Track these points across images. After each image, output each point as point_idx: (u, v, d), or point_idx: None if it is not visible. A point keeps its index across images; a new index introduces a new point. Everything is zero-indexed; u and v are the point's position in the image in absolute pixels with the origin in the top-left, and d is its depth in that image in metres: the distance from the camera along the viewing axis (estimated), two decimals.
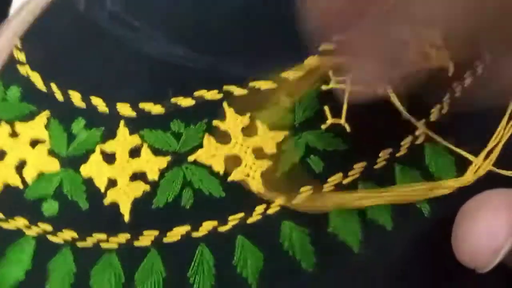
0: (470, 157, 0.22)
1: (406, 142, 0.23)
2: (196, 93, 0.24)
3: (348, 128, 0.23)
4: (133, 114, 0.23)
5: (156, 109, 0.24)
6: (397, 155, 0.23)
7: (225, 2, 0.27)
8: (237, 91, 0.24)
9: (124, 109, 0.24)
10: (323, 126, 0.23)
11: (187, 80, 0.24)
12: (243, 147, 0.22)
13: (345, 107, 0.23)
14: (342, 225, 0.21)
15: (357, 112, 0.23)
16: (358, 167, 0.22)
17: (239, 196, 0.21)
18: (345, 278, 0.21)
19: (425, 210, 0.22)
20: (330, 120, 0.23)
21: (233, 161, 0.22)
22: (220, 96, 0.24)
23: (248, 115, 0.23)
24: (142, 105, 0.24)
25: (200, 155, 0.22)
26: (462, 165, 0.23)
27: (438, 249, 0.21)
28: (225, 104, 0.23)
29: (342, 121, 0.23)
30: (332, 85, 0.24)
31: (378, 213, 0.21)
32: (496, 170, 0.22)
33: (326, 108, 0.23)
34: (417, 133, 0.23)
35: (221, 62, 0.25)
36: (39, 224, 0.22)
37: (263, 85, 0.24)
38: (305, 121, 0.23)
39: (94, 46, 0.26)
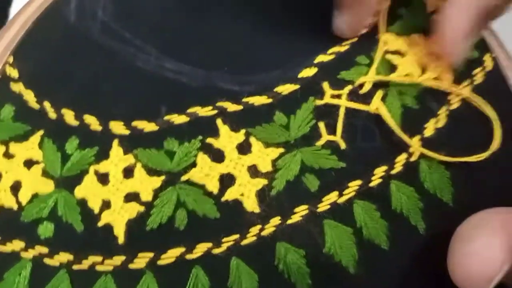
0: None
1: (400, 159, 0.22)
2: (190, 110, 0.24)
3: (343, 145, 0.23)
4: (126, 132, 0.23)
5: (149, 126, 0.23)
6: (392, 172, 0.22)
7: (217, 16, 0.26)
8: (231, 107, 0.24)
9: (117, 127, 0.23)
10: (318, 143, 0.23)
11: (180, 96, 0.24)
12: (238, 165, 0.22)
13: (340, 124, 0.23)
14: (338, 246, 0.21)
15: (352, 129, 0.23)
16: (353, 185, 0.22)
17: (234, 217, 0.21)
18: None
19: (420, 228, 0.21)
20: (325, 137, 0.23)
21: (228, 180, 0.22)
22: (214, 112, 0.23)
23: (242, 131, 0.23)
24: (135, 123, 0.23)
25: (193, 175, 0.22)
26: (458, 180, 0.22)
27: (434, 268, 0.21)
28: (219, 121, 0.23)
29: (338, 138, 0.23)
30: (326, 99, 0.23)
31: (374, 233, 0.21)
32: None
33: (321, 124, 0.23)
34: (411, 150, 0.23)
35: (215, 76, 0.25)
36: (36, 247, 0.22)
37: (258, 100, 0.24)
38: (300, 137, 0.23)
39: (87, 61, 0.26)
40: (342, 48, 0.25)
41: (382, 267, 0.21)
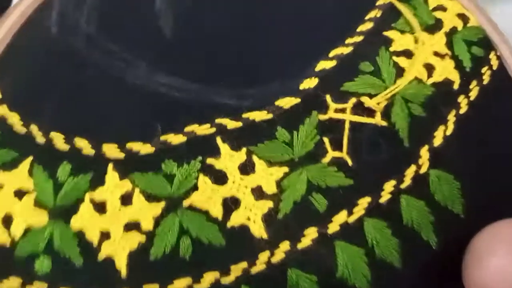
0: None
1: (409, 172, 0.22)
2: (187, 129, 0.22)
3: (350, 162, 0.22)
4: (121, 155, 0.22)
5: (145, 148, 0.22)
6: (402, 186, 0.21)
7: (213, 25, 0.25)
8: (230, 124, 0.22)
9: (111, 150, 0.22)
10: (323, 160, 0.22)
11: (175, 113, 0.23)
12: (241, 187, 0.21)
13: (345, 139, 0.22)
14: (351, 269, 0.20)
15: (357, 143, 0.22)
16: (363, 202, 0.21)
17: (241, 243, 0.20)
18: None
19: (432, 243, 0.21)
20: (330, 154, 0.22)
21: (232, 203, 0.21)
22: (212, 130, 0.22)
23: (244, 150, 0.22)
24: (129, 145, 0.22)
25: (195, 199, 0.21)
26: (468, 191, 0.22)
27: (448, 284, 0.20)
28: (218, 140, 0.22)
29: (344, 154, 0.22)
30: (330, 114, 0.22)
31: (387, 252, 0.20)
32: None
33: (326, 140, 0.22)
34: (420, 161, 0.22)
35: (211, 90, 0.23)
36: (34, 283, 0.21)
37: (258, 116, 0.22)
38: (305, 155, 0.22)
39: (73, 78, 0.24)
40: (345, 50, 0.24)
41: (396, 286, 0.20)
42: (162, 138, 0.22)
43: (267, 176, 0.21)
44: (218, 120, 0.22)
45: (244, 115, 0.22)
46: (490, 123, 0.23)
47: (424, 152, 0.22)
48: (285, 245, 0.20)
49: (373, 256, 0.20)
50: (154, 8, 0.25)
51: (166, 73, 0.24)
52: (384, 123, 0.22)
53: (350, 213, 0.21)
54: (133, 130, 0.22)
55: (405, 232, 0.21)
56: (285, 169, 0.21)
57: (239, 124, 0.22)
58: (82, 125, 0.23)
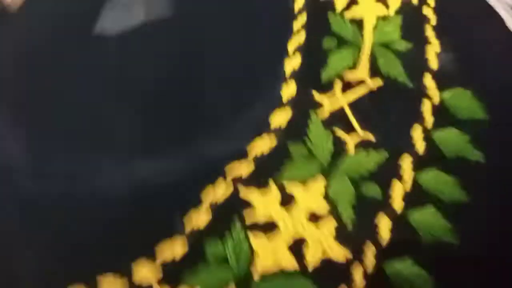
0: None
1: (426, 107, 0.21)
2: (205, 205, 0.20)
3: (372, 137, 0.21)
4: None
5: (180, 250, 0.19)
6: (426, 125, 0.21)
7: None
8: (244, 169, 0.20)
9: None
10: (349, 151, 0.20)
11: (184, 198, 0.20)
12: (295, 223, 0.19)
13: (354, 120, 0.20)
14: (431, 229, 0.19)
15: (367, 116, 0.21)
16: (406, 164, 0.20)
17: (331, 275, 0.18)
18: None
19: (481, 159, 0.20)
20: (350, 141, 0.20)
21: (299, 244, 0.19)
22: (230, 190, 0.20)
23: (272, 184, 0.20)
24: (161, 258, 0.19)
25: (262, 265, 0.18)
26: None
27: None
28: (243, 190, 0.20)
29: (362, 134, 0.20)
30: (328, 109, 0.21)
31: (455, 194, 0.20)
32: None
33: (338, 132, 0.21)
34: (429, 93, 0.21)
35: (195, 150, 0.21)
36: None
37: (263, 145, 0.20)
38: (330, 157, 0.20)
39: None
40: (300, 37, 0.22)
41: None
42: (188, 228, 0.19)
43: (310, 197, 0.19)
44: (229, 170, 0.20)
45: (250, 153, 0.20)
46: None
47: (429, 81, 0.22)
48: (370, 249, 0.19)
49: (442, 204, 0.20)
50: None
51: (146, 159, 0.21)
52: (378, 82, 0.21)
53: (402, 180, 0.20)
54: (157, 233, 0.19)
55: (454, 165, 0.20)
56: (322, 180, 0.20)
57: (251, 164, 0.20)
58: None
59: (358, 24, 0.23)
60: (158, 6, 0.23)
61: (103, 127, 0.21)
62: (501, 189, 0.21)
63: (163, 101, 0.21)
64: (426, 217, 0.20)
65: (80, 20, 0.22)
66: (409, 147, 0.21)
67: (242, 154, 0.20)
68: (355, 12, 0.23)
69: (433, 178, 0.20)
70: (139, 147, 0.21)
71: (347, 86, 0.21)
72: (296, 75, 0.21)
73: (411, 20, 0.23)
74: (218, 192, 0.20)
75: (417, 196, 0.20)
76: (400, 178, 0.20)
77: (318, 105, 0.21)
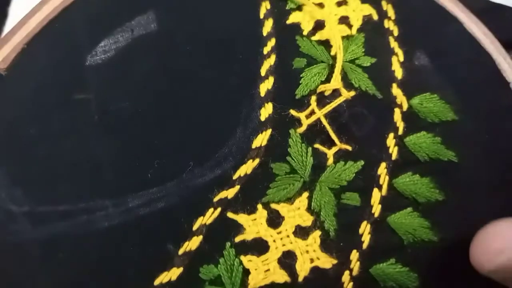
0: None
1: (397, 116, 0.23)
2: (195, 227, 0.21)
3: (349, 147, 0.22)
4: None
5: (174, 274, 0.20)
6: (399, 133, 0.23)
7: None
8: (229, 193, 0.21)
9: None
10: (329, 163, 0.22)
11: (177, 225, 0.21)
12: (284, 240, 0.20)
13: (331, 132, 0.22)
14: (413, 233, 0.21)
15: (344, 127, 0.22)
16: (382, 171, 0.22)
17: (322, 283, 0.20)
18: None
19: (455, 158, 0.22)
20: (329, 153, 0.22)
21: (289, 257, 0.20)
22: (218, 212, 0.21)
23: (259, 206, 0.21)
24: (157, 281, 0.20)
25: (255, 283, 0.20)
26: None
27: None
28: (230, 214, 0.21)
29: (340, 145, 0.22)
30: (305, 123, 0.22)
31: (428, 194, 0.22)
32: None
33: (317, 145, 0.22)
34: (398, 101, 0.23)
35: (187, 180, 0.22)
36: None
37: (248, 168, 0.21)
38: (311, 170, 0.21)
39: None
40: (271, 60, 0.24)
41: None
42: (180, 252, 0.20)
43: (295, 213, 0.21)
44: (216, 198, 0.21)
45: (235, 176, 0.21)
46: None
47: (396, 90, 0.23)
48: (354, 255, 0.20)
49: (418, 207, 0.21)
50: None
51: (137, 198, 0.22)
52: (352, 93, 0.23)
53: (379, 188, 0.21)
54: (152, 264, 0.20)
55: (427, 166, 0.22)
56: (305, 194, 0.21)
57: (236, 188, 0.21)
58: None
59: (325, 44, 0.24)
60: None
61: (90, 166, 0.21)
62: (474, 185, 0.22)
63: (147, 134, 0.22)
64: (404, 219, 0.21)
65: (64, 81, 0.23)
66: (384, 155, 0.22)
67: (227, 179, 0.21)
68: (321, 35, 0.24)
69: (408, 181, 0.22)
70: (126, 183, 0.21)
71: (322, 99, 0.23)
72: (271, 96, 0.23)
73: (374, 35, 0.25)
74: (206, 216, 0.21)
75: (393, 200, 0.21)
76: (377, 184, 0.22)
77: (296, 122, 0.22)
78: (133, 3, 0.25)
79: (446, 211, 0.21)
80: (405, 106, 0.23)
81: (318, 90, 0.23)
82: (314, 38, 0.24)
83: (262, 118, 0.22)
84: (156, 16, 0.24)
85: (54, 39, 0.23)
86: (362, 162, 0.22)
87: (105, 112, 0.22)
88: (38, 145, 0.22)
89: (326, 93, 0.23)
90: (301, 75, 0.23)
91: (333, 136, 0.22)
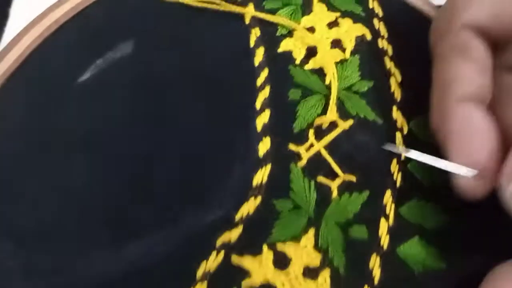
0: None
1: (398, 140, 0.22)
2: (199, 273, 0.20)
3: (353, 178, 0.21)
4: None
5: None
6: (402, 158, 0.22)
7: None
8: (232, 234, 0.20)
9: None
10: (333, 196, 0.21)
11: (180, 275, 0.20)
12: (293, 282, 0.19)
13: (333, 163, 0.21)
14: (425, 262, 0.20)
15: (346, 157, 0.21)
16: (388, 199, 0.21)
17: None
18: None
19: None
20: (333, 186, 0.21)
21: None
22: (221, 257, 0.20)
23: (265, 247, 0.20)
24: None
25: None
26: None
27: None
28: (235, 258, 0.20)
29: (343, 176, 0.21)
30: (305, 157, 0.21)
31: (438, 220, 0.21)
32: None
33: (320, 179, 0.21)
34: (398, 124, 0.22)
35: (182, 223, 0.21)
36: None
37: (250, 207, 0.21)
38: (315, 206, 0.21)
39: None
40: (265, 92, 0.23)
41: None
42: None
43: (303, 251, 0.20)
44: (219, 241, 0.20)
45: (237, 217, 0.20)
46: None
47: (396, 113, 0.23)
48: None
49: (426, 234, 0.21)
50: None
51: (134, 248, 0.21)
52: (350, 122, 0.22)
53: (386, 217, 0.21)
54: None
55: (431, 191, 0.21)
56: (312, 231, 0.20)
57: (239, 228, 0.20)
58: None
59: (319, 73, 0.23)
60: None
61: (81, 215, 0.20)
62: (477, 206, 0.21)
63: (138, 176, 0.21)
64: (413, 249, 0.20)
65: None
66: (389, 182, 0.21)
67: (229, 220, 0.20)
68: (314, 62, 0.24)
69: (414, 208, 0.21)
70: (123, 231, 0.20)
71: (320, 131, 0.22)
72: (268, 130, 0.22)
73: (369, 57, 0.24)
74: (210, 261, 0.20)
75: (401, 229, 0.21)
76: (384, 214, 0.21)
77: (295, 156, 0.21)
78: (113, 33, 0.24)
79: (453, 236, 0.21)
80: (405, 129, 0.22)
81: (315, 124, 0.22)
82: (307, 67, 0.24)
83: (261, 154, 0.21)
84: (138, 46, 0.24)
85: (32, 75, 0.23)
86: (368, 193, 0.21)
87: (96, 155, 0.21)
88: (24, 196, 0.21)
89: (324, 126, 0.22)
90: (297, 108, 0.22)
91: (335, 167, 0.21)
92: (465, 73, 0.19)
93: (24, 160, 0.21)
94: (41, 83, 0.23)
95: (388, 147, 0.22)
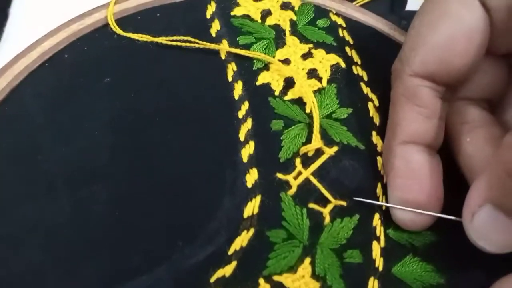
0: None
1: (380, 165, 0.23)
2: None
3: (344, 203, 0.21)
4: None
5: None
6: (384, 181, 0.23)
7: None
8: (226, 270, 0.19)
9: None
10: (326, 222, 0.21)
11: None
12: None
13: (324, 191, 0.21)
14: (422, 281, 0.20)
15: (336, 182, 0.22)
16: (377, 222, 0.21)
17: None
18: None
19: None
20: (325, 212, 0.21)
21: None
22: None
23: (261, 281, 0.19)
24: None
25: None
26: None
27: None
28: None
29: (334, 201, 0.21)
30: (294, 186, 0.21)
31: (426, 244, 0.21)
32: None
33: (311, 205, 0.21)
34: (378, 149, 0.23)
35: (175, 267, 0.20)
36: None
37: (243, 240, 0.20)
38: (309, 234, 0.20)
39: None
40: (247, 124, 0.23)
41: None
42: None
43: (300, 282, 0.20)
44: (213, 278, 0.19)
45: (230, 251, 0.20)
46: None
47: (375, 137, 0.23)
48: None
49: (417, 251, 0.21)
50: None
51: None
52: (335, 149, 0.23)
53: (378, 240, 0.21)
54: None
55: None
56: (307, 260, 0.20)
57: (233, 263, 0.20)
58: None
59: (299, 103, 0.24)
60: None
61: (65, 260, 0.19)
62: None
63: (123, 216, 0.20)
64: (408, 267, 0.21)
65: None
66: (376, 205, 0.22)
67: (222, 255, 0.20)
68: (293, 93, 0.24)
69: (401, 229, 0.21)
70: (109, 274, 0.19)
71: (306, 159, 0.22)
72: (255, 161, 0.22)
73: (345, 84, 0.25)
74: None
75: (393, 250, 0.21)
76: (375, 237, 0.21)
77: (284, 184, 0.21)
78: (87, 74, 0.24)
79: (445, 251, 0.21)
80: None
81: (301, 152, 0.22)
82: (286, 98, 0.24)
83: (249, 185, 0.21)
84: (115, 86, 0.23)
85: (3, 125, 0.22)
86: (358, 216, 0.21)
87: (75, 196, 0.21)
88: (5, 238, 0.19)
89: (310, 154, 0.22)
90: (281, 138, 0.22)
91: (326, 193, 0.21)
92: (409, 118, 0.21)
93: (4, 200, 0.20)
94: (10, 136, 0.22)
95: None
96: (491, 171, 0.18)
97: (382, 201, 0.22)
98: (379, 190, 0.22)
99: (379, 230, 0.21)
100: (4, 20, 0.28)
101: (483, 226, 0.19)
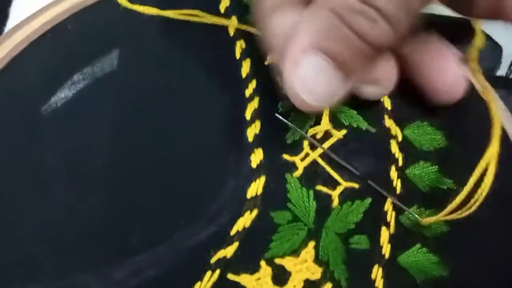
0: None
1: (393, 147, 0.22)
2: None
3: (355, 185, 0.21)
4: None
5: None
6: (399, 164, 0.22)
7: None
8: (228, 251, 0.19)
9: None
10: (334, 205, 0.20)
11: None
12: None
13: (331, 171, 0.20)
14: (424, 271, 0.20)
15: (344, 164, 0.21)
16: (388, 207, 0.20)
17: None
18: None
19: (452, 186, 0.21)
20: (334, 194, 0.20)
21: None
22: (216, 275, 0.19)
23: (263, 263, 0.19)
24: None
25: None
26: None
27: None
28: (231, 276, 0.19)
29: (344, 183, 0.20)
30: (300, 167, 0.21)
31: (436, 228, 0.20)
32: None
33: (319, 187, 0.20)
34: (392, 132, 0.22)
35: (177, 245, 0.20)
36: None
37: (246, 221, 0.19)
38: (315, 216, 0.20)
39: None
40: (254, 103, 0.22)
41: None
42: None
43: (302, 266, 0.19)
44: (214, 258, 0.19)
45: (233, 232, 0.19)
46: None
47: (388, 121, 0.22)
48: None
49: (427, 242, 0.20)
50: None
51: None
52: (344, 132, 0.22)
53: (387, 225, 0.20)
54: None
55: (430, 197, 0.21)
56: (311, 243, 0.19)
57: (235, 244, 0.19)
58: None
59: None
60: None
61: (63, 236, 0.19)
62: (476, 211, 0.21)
63: (125, 193, 0.20)
64: (414, 257, 0.20)
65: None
66: (389, 189, 0.21)
67: (224, 236, 0.19)
68: None
69: (413, 216, 0.21)
70: (111, 254, 0.19)
71: (315, 140, 0.21)
72: (260, 141, 0.21)
73: None
74: (204, 281, 0.19)
75: (402, 237, 0.20)
76: (384, 222, 0.20)
77: (290, 166, 0.21)
78: (91, 47, 0.23)
79: (453, 243, 0.20)
80: (399, 137, 0.22)
81: (309, 134, 0.21)
82: None
83: (254, 165, 0.20)
84: (121, 60, 0.23)
85: (2, 94, 0.21)
86: (370, 200, 0.20)
87: (73, 171, 0.20)
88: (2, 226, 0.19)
89: (318, 136, 0.21)
90: (289, 119, 0.22)
91: (335, 174, 0.20)
92: None
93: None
94: (9, 108, 0.21)
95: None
96: (318, 14, 0.16)
97: (397, 186, 0.21)
98: (393, 173, 0.21)
99: (390, 215, 0.20)
100: (5, 20, 0.28)
101: (310, 77, 0.16)
